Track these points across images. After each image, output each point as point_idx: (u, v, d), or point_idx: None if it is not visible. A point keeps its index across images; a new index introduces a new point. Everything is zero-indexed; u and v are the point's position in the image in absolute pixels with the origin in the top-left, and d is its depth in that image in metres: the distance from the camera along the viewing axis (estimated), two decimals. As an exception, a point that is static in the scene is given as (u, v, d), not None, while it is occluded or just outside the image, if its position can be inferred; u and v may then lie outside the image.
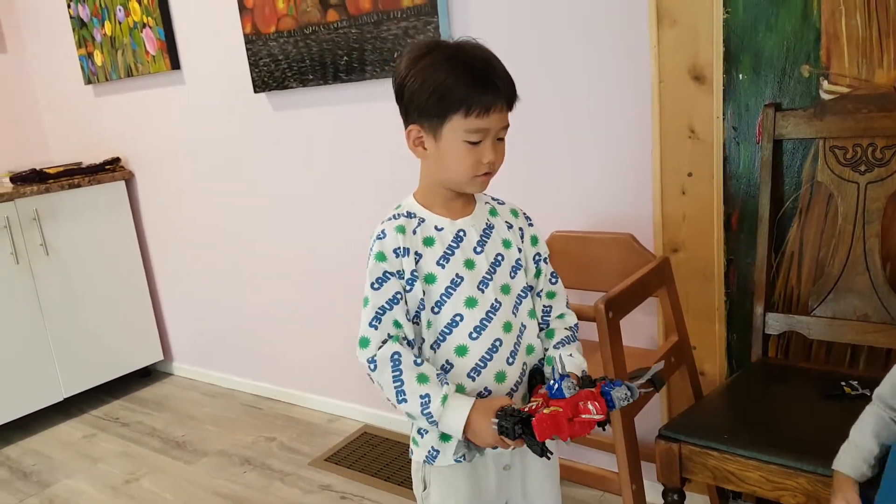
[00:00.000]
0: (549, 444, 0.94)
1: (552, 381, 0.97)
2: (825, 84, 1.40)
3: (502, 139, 1.03)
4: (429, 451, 1.07)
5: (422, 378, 0.99)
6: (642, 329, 1.74)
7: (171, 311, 3.11)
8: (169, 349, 3.17)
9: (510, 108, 1.01)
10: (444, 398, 0.98)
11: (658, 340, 1.73)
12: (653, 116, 1.61)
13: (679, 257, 1.65)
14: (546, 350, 1.11)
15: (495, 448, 1.02)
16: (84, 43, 2.86)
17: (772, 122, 1.44)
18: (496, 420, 0.94)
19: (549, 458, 0.95)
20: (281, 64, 2.20)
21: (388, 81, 1.99)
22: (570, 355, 1.07)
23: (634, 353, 1.54)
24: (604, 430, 0.97)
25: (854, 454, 1.03)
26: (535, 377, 1.09)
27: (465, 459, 1.01)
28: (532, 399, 0.99)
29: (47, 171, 2.80)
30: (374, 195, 2.22)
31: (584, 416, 0.91)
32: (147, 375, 3.16)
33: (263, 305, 2.69)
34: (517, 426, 0.92)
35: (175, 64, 2.58)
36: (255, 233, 2.61)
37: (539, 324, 1.12)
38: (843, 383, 1.30)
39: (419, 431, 1.08)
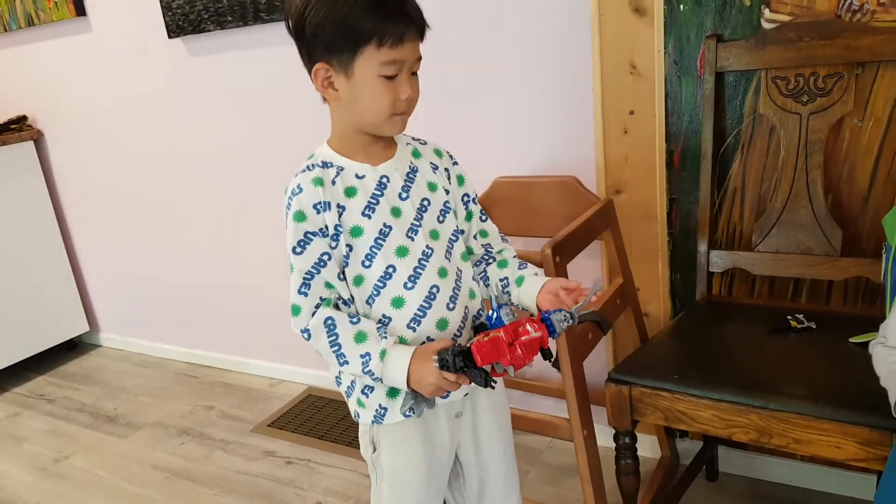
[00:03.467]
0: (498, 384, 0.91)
1: (490, 312, 0.94)
2: (767, 12, 1.36)
3: (416, 74, 0.96)
4: (376, 411, 1.02)
5: (359, 337, 0.94)
6: (587, 272, 1.71)
7: (95, 280, 2.93)
8: (95, 319, 3.00)
9: (422, 37, 0.94)
10: (383, 353, 0.93)
11: (603, 283, 1.70)
12: (593, 52, 1.55)
13: (622, 198, 1.61)
14: (505, 278, 1.06)
15: (445, 397, 0.98)
16: (-25, -11, 2.59)
17: (713, 54, 1.40)
18: (436, 357, 0.90)
19: (493, 388, 0.93)
20: (196, 5, 2.03)
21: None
22: (535, 274, 1.04)
23: (581, 298, 1.50)
24: (552, 362, 0.96)
25: (893, 369, 0.96)
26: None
27: (413, 413, 0.97)
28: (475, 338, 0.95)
29: (-57, 132, 2.56)
30: (305, 145, 2.10)
31: (523, 337, 0.89)
32: (73, 348, 2.99)
33: (193, 268, 2.55)
34: (457, 358, 0.89)
35: (80, 10, 2.37)
36: (180, 191, 2.45)
37: (482, 262, 1.08)
38: (788, 317, 1.30)
39: (363, 391, 1.02)
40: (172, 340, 2.77)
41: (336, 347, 0.95)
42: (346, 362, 0.95)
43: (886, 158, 1.32)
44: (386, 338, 0.95)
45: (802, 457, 1.57)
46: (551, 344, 0.95)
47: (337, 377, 1.05)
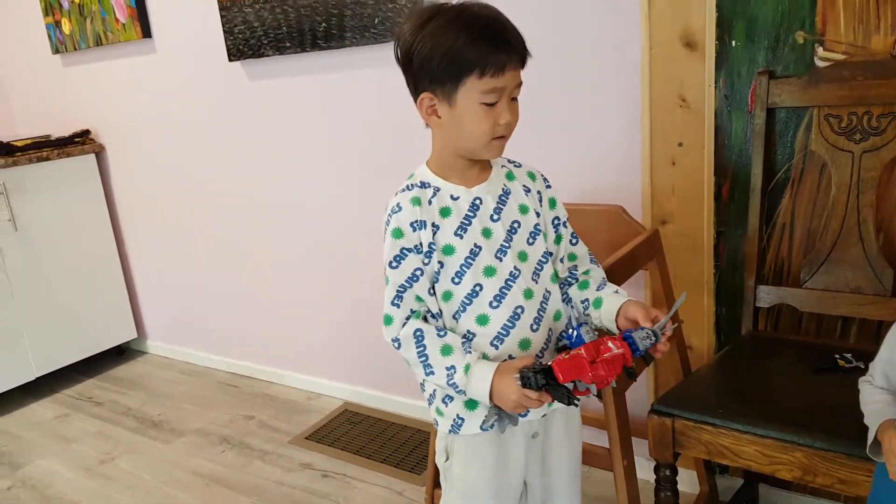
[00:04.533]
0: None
1: (570, 331, 0.96)
2: (820, 51, 1.36)
3: (516, 99, 1.00)
4: (454, 420, 1.05)
5: (445, 350, 0.99)
6: (630, 303, 1.71)
7: (145, 288, 3.03)
8: (143, 327, 3.10)
9: (523, 65, 0.98)
10: (467, 367, 0.97)
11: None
12: (642, 84, 1.57)
13: (668, 229, 1.62)
14: (586, 300, 1.08)
15: (524, 415, 1.01)
16: (51, 10, 2.74)
17: (765, 90, 1.41)
18: (518, 374, 0.92)
19: (576, 405, 0.94)
20: (256, 31, 2.11)
21: (369, 49, 1.92)
22: (616, 292, 1.06)
23: (623, 327, 1.51)
24: (634, 378, 0.97)
25: (876, 409, 0.98)
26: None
27: (496, 428, 1.00)
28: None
29: (14, 143, 2.69)
30: (355, 169, 2.16)
31: (605, 354, 0.90)
32: (121, 354, 3.09)
33: (240, 282, 2.63)
34: (538, 375, 0.91)
35: (146, 32, 2.48)
36: (232, 208, 2.54)
37: (566, 283, 1.11)
38: (836, 356, 1.28)
39: (443, 400, 1.06)
40: (216, 350, 2.84)
41: (423, 358, 0.99)
42: (432, 372, 0.99)
43: (941, 199, 1.31)
44: (471, 352, 0.98)
45: (846, 498, 1.54)
46: (635, 362, 0.95)
47: (421, 384, 1.09)
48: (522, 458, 1.10)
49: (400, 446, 2.11)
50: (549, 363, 0.92)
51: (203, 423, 2.41)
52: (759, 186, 1.45)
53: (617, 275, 1.35)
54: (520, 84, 0.99)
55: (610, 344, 0.91)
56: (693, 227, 1.59)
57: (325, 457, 2.11)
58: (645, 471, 1.44)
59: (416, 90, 1.00)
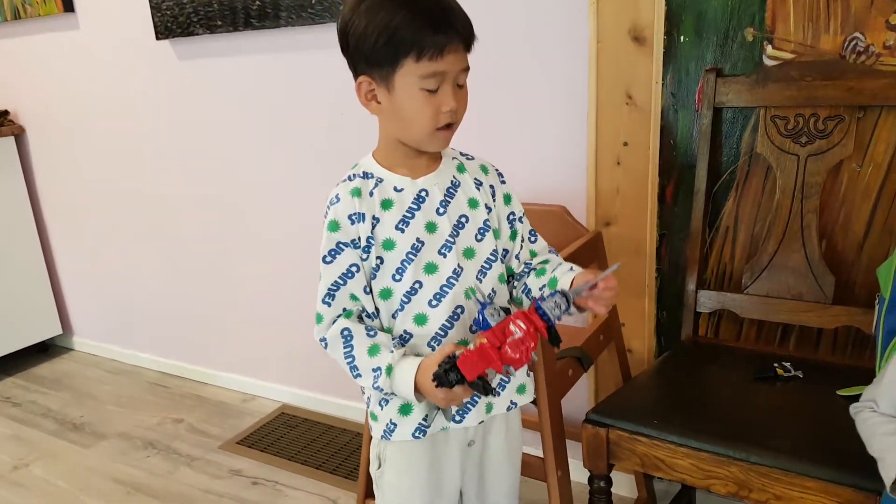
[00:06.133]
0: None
1: (477, 316, 0.91)
2: (769, 49, 1.32)
3: (463, 85, 0.92)
4: (386, 425, 0.99)
5: (373, 350, 0.94)
6: (572, 305, 1.66)
7: (71, 282, 2.86)
8: (69, 323, 2.93)
9: (468, 48, 0.91)
10: (389, 368, 0.92)
11: (587, 317, 1.65)
12: (589, 80, 1.51)
13: (611, 231, 1.57)
14: (544, 286, 1.01)
15: (463, 413, 0.97)
16: (-35, -21, 2.54)
17: (712, 88, 1.36)
18: (432, 375, 0.87)
19: (496, 394, 0.93)
20: (185, 8, 1.99)
21: (307, 29, 1.82)
22: (571, 269, 0.99)
23: (563, 332, 1.43)
24: (558, 346, 0.92)
25: (892, 441, 0.89)
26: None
27: (434, 425, 0.96)
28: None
29: (-78, 123, 2.49)
30: (292, 155, 2.06)
31: (509, 338, 0.85)
32: (45, 351, 2.91)
33: (172, 276, 2.49)
34: (449, 373, 0.85)
35: (68, 6, 2.32)
36: (163, 198, 2.39)
37: (522, 275, 1.04)
38: (775, 364, 1.25)
39: (379, 403, 1.00)
40: (147, 348, 2.70)
41: (350, 360, 0.94)
42: (360, 375, 0.95)
43: (884, 205, 1.28)
44: (393, 352, 0.92)
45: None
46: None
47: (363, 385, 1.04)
48: (458, 466, 1.05)
49: (337, 451, 2.02)
50: (458, 352, 0.87)
51: (128, 427, 2.27)
52: (704, 189, 1.41)
53: (556, 278, 1.29)
54: (466, 69, 0.91)
55: (513, 327, 0.86)
56: (636, 230, 1.54)
57: (257, 463, 2.01)
58: (582, 474, 1.38)
59: (354, 72, 0.94)
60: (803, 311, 1.32)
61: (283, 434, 2.15)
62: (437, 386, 0.87)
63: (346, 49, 0.92)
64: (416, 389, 0.91)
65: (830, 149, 1.29)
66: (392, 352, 0.93)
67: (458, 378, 0.86)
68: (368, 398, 1.03)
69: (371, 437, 1.06)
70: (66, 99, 2.51)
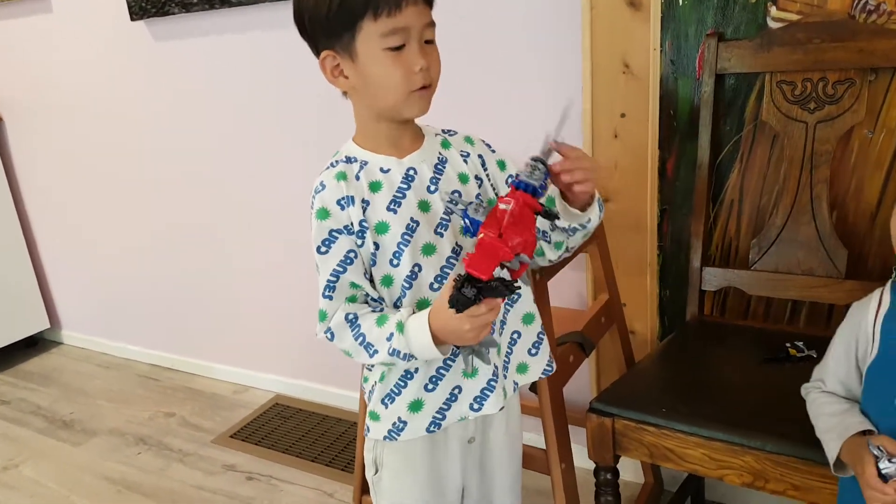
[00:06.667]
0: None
1: (463, 223, 0.83)
2: (773, 10, 1.24)
3: (431, 41, 0.85)
4: (393, 424, 0.93)
5: (381, 320, 0.87)
6: (572, 286, 1.60)
7: (57, 274, 2.78)
8: (57, 316, 2.86)
9: (429, 2, 0.84)
10: (400, 325, 0.84)
11: (587, 298, 1.59)
12: (583, 49, 1.43)
13: (610, 207, 1.49)
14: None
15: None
16: (-70, -37, 2.43)
17: (714, 54, 1.28)
18: (448, 303, 0.78)
19: (519, 289, 0.86)
20: (160, -13, 1.89)
21: (286, 6, 1.72)
22: None
23: (563, 315, 1.39)
24: (557, 217, 0.84)
25: (833, 422, 0.88)
26: None
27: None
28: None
29: None
30: (273, 136, 1.98)
31: (503, 219, 0.76)
32: (33, 345, 2.85)
33: (161, 266, 2.41)
34: (464, 289, 0.76)
35: (39, -12, 2.22)
36: (148, 184, 2.31)
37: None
38: (787, 344, 1.19)
39: (382, 401, 0.93)
40: (137, 341, 2.63)
41: (360, 339, 0.87)
42: (376, 351, 0.86)
43: (898, 173, 1.21)
44: (401, 311, 0.86)
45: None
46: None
47: (364, 379, 0.98)
48: (459, 466, 1.00)
49: (333, 442, 1.97)
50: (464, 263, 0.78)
51: (119, 422, 2.22)
52: (707, 161, 1.34)
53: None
54: (431, 24, 0.85)
55: (501, 206, 0.77)
56: (636, 205, 1.47)
57: (251, 457, 1.95)
58: (586, 460, 1.32)
59: (316, 52, 0.88)
60: (815, 287, 1.25)
61: (278, 426, 2.09)
62: (456, 311, 0.78)
63: (303, 30, 0.87)
64: (435, 342, 0.83)
65: (841, 115, 1.21)
66: (399, 312, 0.86)
67: (475, 289, 0.76)
68: (370, 394, 0.96)
69: (366, 440, 1.00)
70: (42, 84, 2.41)
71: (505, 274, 0.79)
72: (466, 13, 1.53)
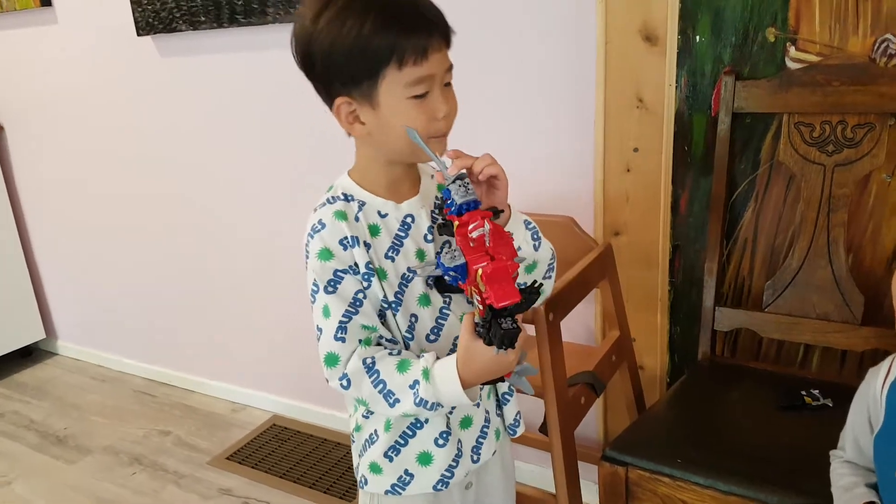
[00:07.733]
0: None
1: (446, 277, 0.78)
2: (792, 51, 1.23)
3: (449, 84, 0.83)
4: (399, 478, 0.89)
5: (402, 366, 0.82)
6: (580, 319, 1.58)
7: (54, 285, 2.75)
8: (52, 327, 2.82)
9: (448, 44, 0.81)
10: (426, 372, 0.80)
11: (596, 333, 1.57)
12: (597, 82, 1.41)
13: (620, 241, 1.48)
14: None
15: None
16: (-66, -31, 2.40)
17: (731, 92, 1.27)
18: (486, 342, 0.75)
19: (542, 286, 0.81)
20: (168, 3, 1.87)
21: (294, 28, 1.71)
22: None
23: (573, 351, 1.37)
24: (498, 215, 0.82)
25: (845, 498, 0.87)
26: None
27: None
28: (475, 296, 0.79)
29: None
30: (277, 155, 1.95)
31: (473, 234, 0.74)
32: (28, 356, 2.81)
33: (159, 279, 2.38)
34: (503, 324, 0.73)
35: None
36: (148, 198, 2.28)
37: None
38: (803, 392, 1.17)
39: (385, 454, 0.89)
40: (133, 354, 2.60)
41: (380, 386, 0.81)
42: (398, 400, 0.81)
43: (916, 219, 1.20)
44: (424, 356, 0.82)
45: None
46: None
47: (355, 429, 0.94)
48: None
49: (332, 467, 1.93)
50: (482, 306, 0.75)
51: (113, 440, 2.18)
52: (722, 198, 1.32)
53: (568, 299, 1.21)
54: (450, 67, 0.82)
55: (474, 234, 0.74)
56: (647, 239, 1.45)
57: (248, 480, 1.92)
58: (592, 495, 1.30)
59: (328, 96, 0.83)
60: (830, 332, 1.23)
61: (275, 448, 2.06)
62: (511, 347, 0.73)
63: (311, 71, 0.82)
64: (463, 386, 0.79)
65: (859, 159, 1.20)
66: (422, 356, 0.82)
67: (511, 319, 0.73)
68: (363, 446, 0.92)
69: (361, 493, 0.96)
70: (44, 95, 2.39)
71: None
72: (483, 47, 1.51)
